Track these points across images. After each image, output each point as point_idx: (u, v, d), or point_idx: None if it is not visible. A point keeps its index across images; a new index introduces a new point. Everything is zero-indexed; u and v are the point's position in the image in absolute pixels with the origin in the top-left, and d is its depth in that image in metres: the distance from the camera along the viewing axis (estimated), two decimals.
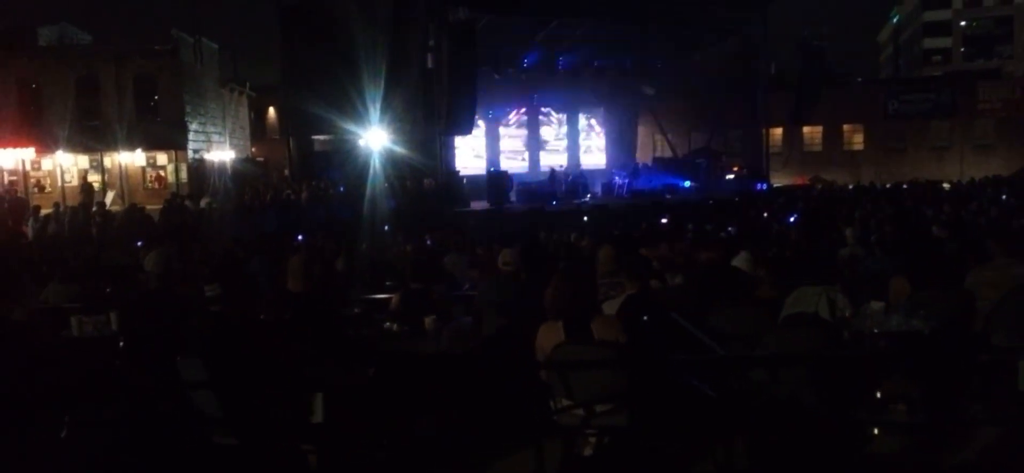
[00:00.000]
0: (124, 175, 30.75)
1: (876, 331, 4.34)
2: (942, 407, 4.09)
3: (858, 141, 39.33)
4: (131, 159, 30.80)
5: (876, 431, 4.19)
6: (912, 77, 46.49)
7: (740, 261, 6.18)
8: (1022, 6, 61.13)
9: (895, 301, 4.83)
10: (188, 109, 31.20)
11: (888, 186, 27.31)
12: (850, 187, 27.86)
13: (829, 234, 10.86)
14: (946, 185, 26.92)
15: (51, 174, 30.53)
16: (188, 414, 4.32)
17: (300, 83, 25.54)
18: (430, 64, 24.83)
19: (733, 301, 5.10)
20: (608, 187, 27.90)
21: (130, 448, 4.29)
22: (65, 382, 4.53)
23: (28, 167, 30.31)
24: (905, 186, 26.88)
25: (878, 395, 4.00)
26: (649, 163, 30.55)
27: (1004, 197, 16.29)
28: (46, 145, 29.43)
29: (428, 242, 13.15)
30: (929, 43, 66.13)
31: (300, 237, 13.37)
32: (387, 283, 8.03)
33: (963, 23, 65.75)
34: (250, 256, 10.41)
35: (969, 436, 4.30)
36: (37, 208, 22.08)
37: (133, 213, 20.39)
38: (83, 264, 10.21)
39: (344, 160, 26.07)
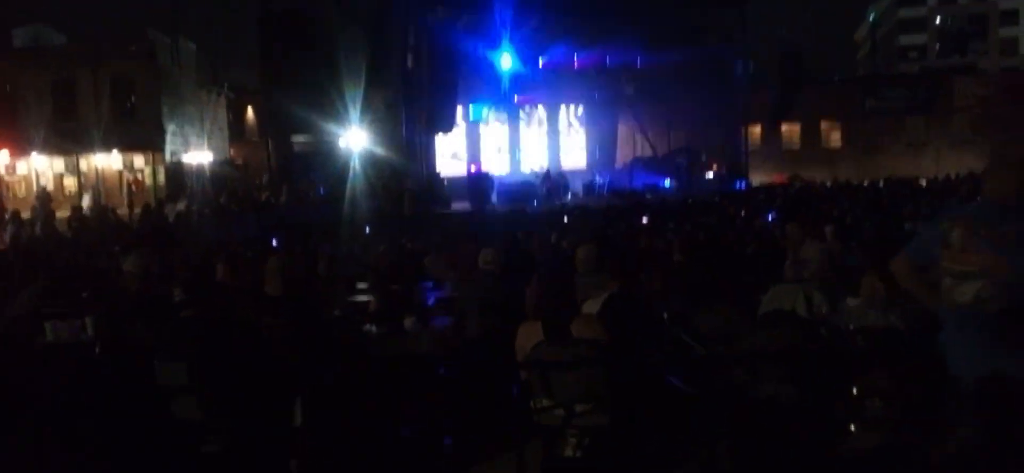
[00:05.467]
0: (101, 178, 30.39)
1: (853, 327, 4.39)
2: (917, 402, 4.14)
3: (836, 139, 39.72)
4: (107, 162, 30.46)
5: (853, 427, 4.23)
6: (889, 74, 46.99)
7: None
8: (996, 3, 62.03)
9: (866, 297, 4.88)
10: (165, 111, 30.89)
11: (866, 183, 27.59)
12: (828, 185, 28.10)
13: (807, 231, 10.93)
14: (923, 181, 27.24)
15: (26, 178, 30.12)
16: (167, 419, 4.28)
17: (279, 84, 25.41)
18: (410, 64, 24.80)
19: (712, 300, 5.13)
20: (589, 187, 27.97)
21: (109, 455, 4.24)
22: (41, 390, 4.47)
23: (2, 170, 29.88)
24: (882, 183, 27.15)
25: (855, 391, 4.04)
26: (630, 163, 30.66)
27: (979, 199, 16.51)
28: (21, 148, 29.03)
29: (407, 245, 13.09)
30: (905, 40, 66.90)
31: (274, 242, 13.25)
32: (366, 285, 7.99)
33: (938, 20, 66.60)
34: (228, 259, 10.29)
35: (945, 431, 4.35)
36: (16, 213, 21.74)
37: (106, 217, 20.13)
38: (58, 269, 10.07)
39: (324, 162, 25.95)
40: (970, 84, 38.98)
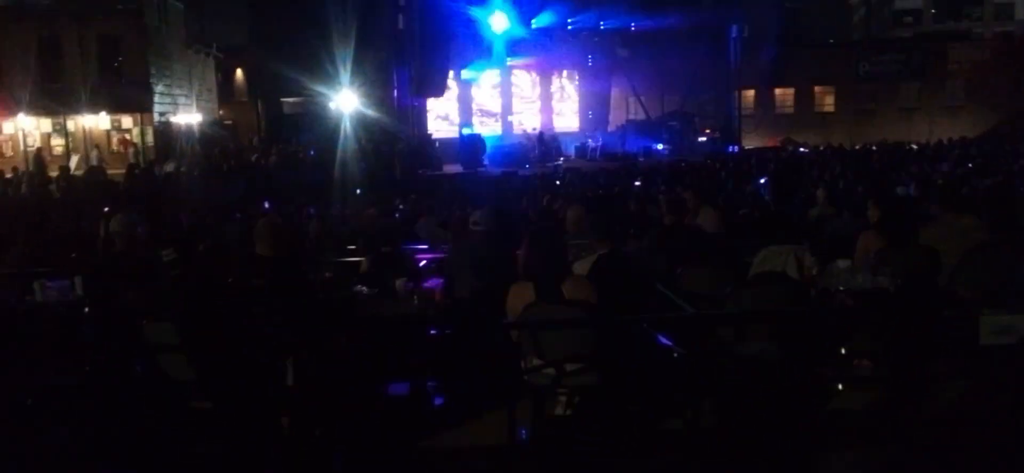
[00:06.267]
0: (88, 138, 30.10)
1: (842, 289, 4.40)
2: (906, 362, 4.17)
3: (829, 103, 39.61)
4: (95, 122, 30.15)
5: (841, 386, 4.27)
6: (883, 39, 46.75)
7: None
8: None
9: (862, 255, 4.89)
10: (153, 71, 30.53)
11: (857, 147, 27.60)
12: (819, 149, 28.10)
13: (799, 195, 10.95)
14: (913, 146, 27.28)
15: (13, 138, 29.81)
16: (157, 378, 4.28)
17: (268, 44, 25.12)
18: (401, 25, 24.53)
19: (701, 261, 5.14)
20: (582, 150, 27.88)
21: (97, 413, 4.25)
22: (29, 348, 4.46)
23: None
24: (874, 147, 27.18)
25: (843, 351, 4.06)
26: (623, 126, 30.54)
27: (970, 165, 16.54)
28: (8, 108, 28.66)
29: (400, 206, 13.05)
30: (900, 4, 66.45)
31: (267, 204, 13.18)
32: (356, 246, 7.96)
33: None
34: (220, 221, 10.25)
35: (932, 390, 4.40)
36: (1, 172, 21.58)
37: (95, 176, 19.95)
38: (47, 230, 10.00)
39: (314, 123, 25.75)
40: (964, 49, 38.86)
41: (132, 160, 25.70)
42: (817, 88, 39.40)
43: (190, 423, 4.19)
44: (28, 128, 29.61)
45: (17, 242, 7.27)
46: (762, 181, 14.75)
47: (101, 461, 4.03)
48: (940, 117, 36.68)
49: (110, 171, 22.22)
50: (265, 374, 4.29)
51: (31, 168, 24.01)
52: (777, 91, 38.69)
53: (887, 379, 4.47)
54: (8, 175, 22.58)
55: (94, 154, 27.84)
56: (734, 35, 29.58)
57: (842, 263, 4.58)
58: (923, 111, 37.69)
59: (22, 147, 29.26)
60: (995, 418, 4.00)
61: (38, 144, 29.51)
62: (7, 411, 4.28)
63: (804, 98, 39.42)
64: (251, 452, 4.13)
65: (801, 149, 29.18)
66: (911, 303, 4.46)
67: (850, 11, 58.71)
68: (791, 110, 39.46)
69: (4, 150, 29.66)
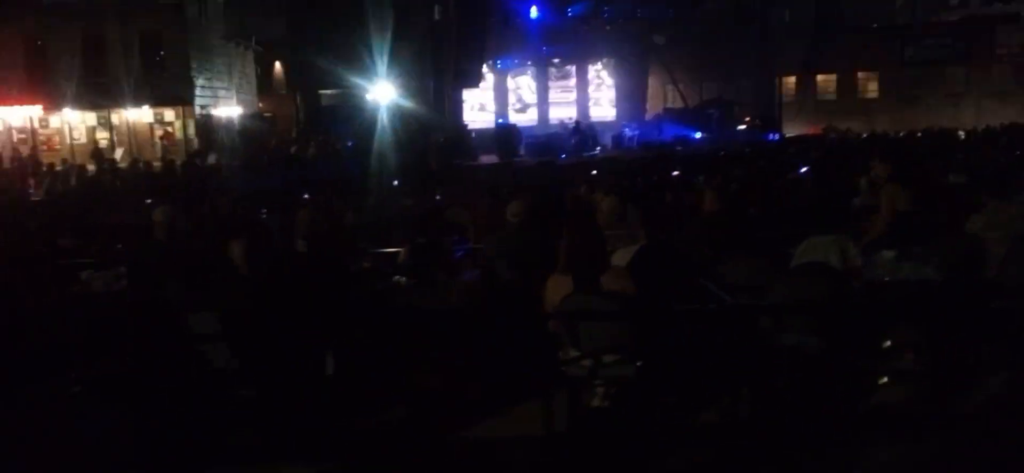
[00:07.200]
0: (132, 132, 30.74)
1: (887, 279, 4.31)
2: (950, 354, 4.06)
3: (873, 89, 38.74)
4: (139, 116, 30.76)
5: (884, 379, 4.18)
6: (929, 22, 45.58)
7: None
8: None
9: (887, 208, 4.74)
10: (194, 64, 31.03)
11: (902, 135, 26.96)
12: (863, 136, 27.49)
13: (843, 183, 10.73)
14: (961, 133, 26.54)
15: (59, 131, 30.57)
16: (201, 367, 4.36)
17: (307, 37, 25.34)
18: (437, 16, 24.56)
19: (743, 251, 5.06)
20: (618, 139, 27.70)
21: (142, 401, 4.33)
22: (75, 337, 4.57)
23: (36, 124, 30.34)
24: (919, 134, 26.51)
25: (887, 343, 3.98)
26: (660, 114, 30.24)
27: (1019, 152, 16.03)
28: (54, 102, 29.39)
29: (437, 197, 13.10)
30: None
31: (306, 195, 13.33)
32: (395, 237, 8.02)
33: None
34: (259, 212, 10.39)
35: (977, 383, 4.29)
36: (51, 165, 22.13)
37: (140, 169, 20.41)
38: (93, 220, 10.25)
39: (351, 114, 25.93)
40: (1013, 32, 37.67)
41: (169, 154, 26.27)
42: (860, 74, 38.55)
43: (234, 411, 4.25)
44: (74, 122, 30.33)
45: (66, 232, 7.46)
46: (803, 169, 14.50)
47: (144, 448, 4.12)
48: (988, 102, 35.63)
49: (155, 164, 22.69)
50: (305, 364, 4.34)
51: (92, 162, 24.58)
52: (818, 77, 37.95)
53: (931, 373, 4.36)
54: (58, 167, 23.16)
55: (120, 150, 28.39)
56: (774, 21, 29.08)
57: (887, 253, 4.48)
58: (971, 96, 36.67)
59: (68, 140, 29.99)
60: None
61: (84, 137, 30.21)
62: (55, 400, 4.39)
63: (846, 84, 38.62)
64: (291, 441, 4.18)
65: (854, 135, 28.50)
66: (957, 294, 4.35)
67: None
68: (833, 97, 38.69)
69: (52, 143, 30.41)
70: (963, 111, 35.33)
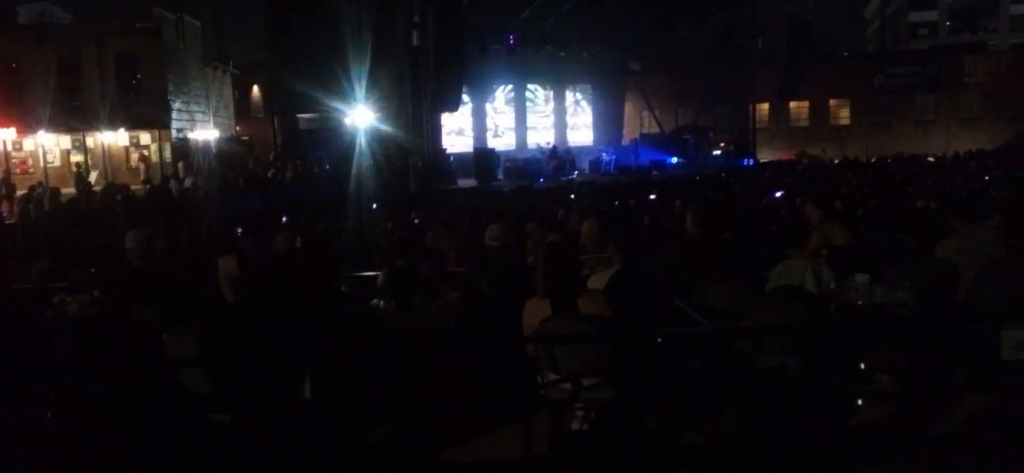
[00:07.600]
0: (107, 155, 30.43)
1: (861, 303, 4.37)
2: (926, 376, 4.12)
3: (845, 116, 39.44)
4: (114, 139, 30.48)
5: (860, 401, 4.23)
6: (898, 51, 46.54)
7: None
8: None
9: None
10: (171, 88, 30.87)
11: (873, 160, 27.42)
12: (835, 162, 27.92)
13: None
14: (930, 159, 27.05)
15: (33, 154, 30.19)
16: (176, 391, 4.31)
17: (285, 61, 25.31)
18: (416, 41, 24.65)
19: (719, 275, 5.12)
20: (595, 164, 27.88)
21: (117, 426, 4.27)
22: (50, 361, 4.50)
23: (9, 147, 29.95)
24: (890, 160, 26.98)
25: (862, 366, 4.03)
26: (636, 139, 30.51)
27: (987, 177, 16.38)
28: (28, 125, 29.04)
29: (415, 220, 13.09)
30: (915, 17, 66.13)
31: (284, 219, 13.27)
32: (373, 261, 7.99)
33: None
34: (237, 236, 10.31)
35: (952, 405, 4.35)
36: (31, 188, 21.78)
37: (113, 192, 20.16)
38: (67, 244, 10.12)
39: (330, 138, 25.91)
40: (980, 61, 38.60)
41: (144, 177, 26.02)
42: (832, 101, 39.26)
43: (206, 436, 4.20)
44: (48, 145, 29.97)
45: (41, 257, 7.36)
46: (778, 194, 14.68)
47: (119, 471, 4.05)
48: (957, 129, 36.42)
49: (133, 187, 22.45)
50: (283, 388, 4.31)
51: (66, 185, 24.23)
52: (792, 104, 38.58)
53: (907, 394, 4.42)
54: (30, 189, 22.81)
55: (95, 174, 28.07)
56: (748, 48, 29.52)
57: (860, 277, 4.55)
58: (940, 123, 37.44)
59: (42, 163, 29.62)
60: (1016, 434, 3.95)
61: (58, 160, 29.86)
62: (29, 423, 4.31)
63: (819, 111, 39.28)
64: (268, 464, 4.14)
65: (830, 160, 28.88)
66: (931, 317, 4.42)
67: (865, 24, 58.46)
68: (806, 123, 39.32)
69: (25, 166, 30.01)
70: (933, 137, 36.05)
